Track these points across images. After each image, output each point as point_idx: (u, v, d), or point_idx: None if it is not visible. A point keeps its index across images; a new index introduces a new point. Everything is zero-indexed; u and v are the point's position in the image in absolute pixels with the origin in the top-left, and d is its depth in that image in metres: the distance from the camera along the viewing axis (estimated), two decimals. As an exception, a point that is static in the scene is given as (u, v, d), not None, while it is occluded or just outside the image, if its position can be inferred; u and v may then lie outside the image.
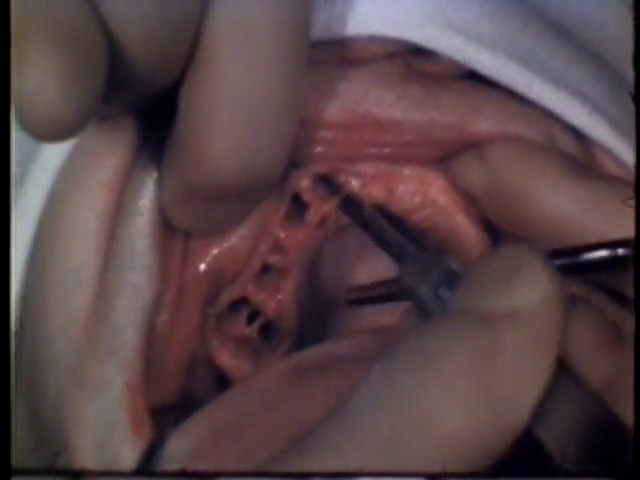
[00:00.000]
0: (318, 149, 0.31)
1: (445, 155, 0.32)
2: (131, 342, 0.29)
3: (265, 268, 0.32)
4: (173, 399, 0.31)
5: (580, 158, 0.31)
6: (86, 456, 0.28)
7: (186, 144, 0.26)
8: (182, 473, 0.25)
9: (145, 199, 0.29)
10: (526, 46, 0.30)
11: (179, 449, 0.28)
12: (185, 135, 0.26)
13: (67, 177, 0.29)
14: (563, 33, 0.32)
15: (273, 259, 0.32)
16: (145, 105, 0.28)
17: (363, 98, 0.30)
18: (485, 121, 0.30)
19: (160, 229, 0.29)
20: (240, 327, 0.32)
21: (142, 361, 0.29)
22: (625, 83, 0.32)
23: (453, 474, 0.23)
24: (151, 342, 0.29)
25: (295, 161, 0.30)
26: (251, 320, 0.33)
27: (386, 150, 0.31)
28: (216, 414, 0.29)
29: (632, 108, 0.31)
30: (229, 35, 0.25)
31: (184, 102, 0.26)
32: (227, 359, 0.32)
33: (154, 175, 0.29)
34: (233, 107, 0.25)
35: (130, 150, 0.29)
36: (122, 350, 0.29)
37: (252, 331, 0.32)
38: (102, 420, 0.28)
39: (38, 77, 0.22)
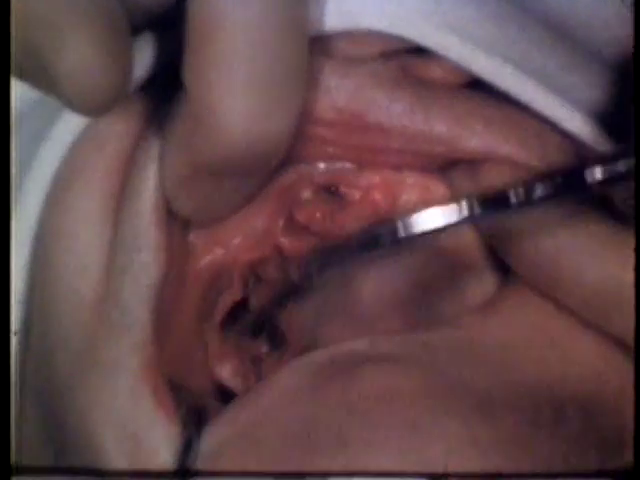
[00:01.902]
0: (309, 146, 0.31)
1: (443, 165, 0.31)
2: (141, 321, 0.29)
3: (267, 278, 0.32)
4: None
5: None
6: (109, 440, 0.28)
7: (195, 115, 0.26)
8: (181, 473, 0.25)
9: (148, 181, 0.29)
10: (522, 49, 0.30)
11: (202, 449, 0.28)
12: (193, 106, 0.26)
13: (70, 162, 0.30)
14: (562, 35, 0.31)
15: (275, 268, 0.32)
16: (149, 79, 0.29)
17: (354, 98, 0.30)
18: (474, 139, 0.30)
19: (164, 210, 0.29)
20: (246, 339, 0.32)
21: (154, 339, 0.29)
22: (627, 85, 0.32)
23: (454, 474, 0.23)
24: (162, 321, 0.29)
25: (289, 157, 0.30)
26: (257, 330, 0.32)
27: (381, 157, 0.31)
28: (236, 415, 0.29)
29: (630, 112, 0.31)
30: (228, 10, 0.25)
31: (188, 76, 0.26)
32: (228, 376, 0.32)
33: (157, 158, 0.29)
34: (239, 69, 0.26)
35: (133, 133, 0.30)
36: (133, 329, 0.29)
37: (259, 344, 0.32)
38: (121, 401, 0.29)
39: (79, 56, 0.25)
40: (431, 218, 0.28)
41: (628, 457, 0.27)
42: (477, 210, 0.28)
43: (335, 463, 0.26)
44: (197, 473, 0.27)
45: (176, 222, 0.30)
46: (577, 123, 0.30)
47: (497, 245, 0.31)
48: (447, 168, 0.31)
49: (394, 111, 0.30)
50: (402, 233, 0.29)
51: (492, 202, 0.28)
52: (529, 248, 0.29)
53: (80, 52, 0.25)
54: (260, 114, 0.26)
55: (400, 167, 0.31)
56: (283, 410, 0.29)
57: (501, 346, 0.30)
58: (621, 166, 0.27)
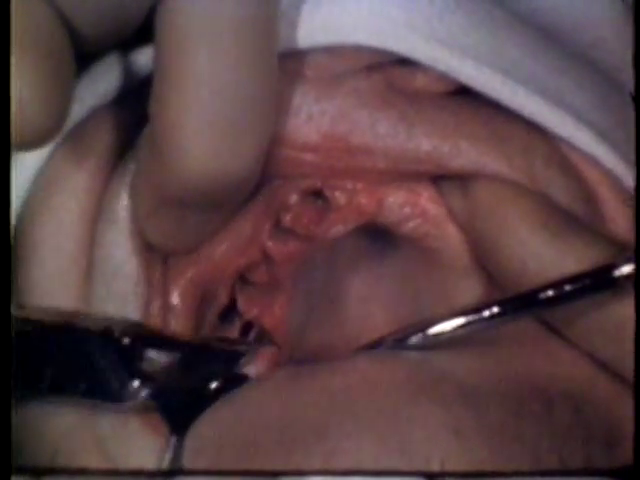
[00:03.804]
0: (294, 171, 0.30)
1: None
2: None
3: (255, 282, 0.32)
4: None
5: (566, 200, 0.30)
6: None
7: (157, 146, 0.26)
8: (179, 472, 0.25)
9: (123, 208, 0.29)
10: (511, 56, 0.30)
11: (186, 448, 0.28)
12: (156, 136, 0.26)
13: (46, 180, 0.29)
14: (553, 39, 0.31)
15: (262, 272, 0.32)
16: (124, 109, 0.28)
17: (339, 121, 0.29)
18: (460, 157, 0.30)
19: (140, 238, 0.29)
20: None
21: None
22: (620, 86, 0.32)
23: (453, 473, 0.23)
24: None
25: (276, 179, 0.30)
26: (245, 332, 0.32)
27: (368, 177, 0.31)
28: (217, 413, 0.29)
29: (622, 115, 0.31)
30: (192, 26, 0.25)
31: (154, 107, 0.26)
32: None
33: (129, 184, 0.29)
34: (203, 107, 0.25)
35: (108, 155, 0.29)
36: None
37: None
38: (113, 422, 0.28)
39: (17, 91, 0.24)
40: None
41: (618, 456, 0.27)
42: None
43: (314, 454, 0.26)
44: (182, 472, 0.27)
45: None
46: (569, 128, 0.30)
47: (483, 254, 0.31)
48: (438, 180, 0.31)
49: (378, 132, 0.29)
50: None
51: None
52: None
53: (19, 86, 0.24)
54: (223, 149, 0.26)
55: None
56: (262, 405, 0.28)
57: (487, 340, 0.29)
58: None
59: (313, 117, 0.29)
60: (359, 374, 0.28)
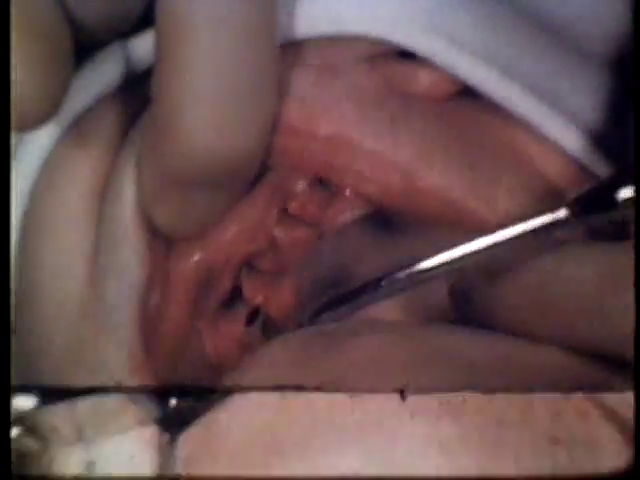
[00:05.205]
0: (289, 156, 0.30)
1: None
2: (127, 320, 0.29)
3: (261, 268, 0.32)
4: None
5: None
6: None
7: (160, 125, 0.27)
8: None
9: (128, 185, 0.29)
10: (510, 54, 0.30)
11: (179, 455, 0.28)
12: (159, 115, 0.27)
13: (54, 163, 0.30)
14: (554, 37, 0.31)
15: (269, 259, 0.32)
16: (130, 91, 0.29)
17: (329, 109, 0.29)
18: (431, 175, 0.30)
19: (145, 216, 0.29)
20: (239, 326, 0.32)
21: (140, 339, 0.29)
22: (622, 83, 0.32)
23: (448, 478, 0.23)
24: (149, 320, 0.30)
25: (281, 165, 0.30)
26: (250, 319, 0.32)
27: (340, 175, 0.31)
28: (210, 419, 0.29)
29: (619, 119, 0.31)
30: (193, 14, 0.25)
31: (156, 89, 0.27)
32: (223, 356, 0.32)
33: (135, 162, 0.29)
34: (205, 85, 0.26)
35: (114, 136, 0.30)
36: (119, 328, 0.29)
37: (252, 331, 0.32)
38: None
39: (16, 75, 0.25)
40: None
41: (603, 459, 0.27)
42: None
43: (296, 468, 0.26)
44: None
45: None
46: (560, 130, 0.30)
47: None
48: None
49: (365, 129, 0.30)
50: None
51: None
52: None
53: (18, 70, 0.25)
54: (225, 126, 0.26)
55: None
56: (250, 414, 0.28)
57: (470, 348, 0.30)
58: None
59: (306, 102, 0.29)
60: (363, 350, 0.28)
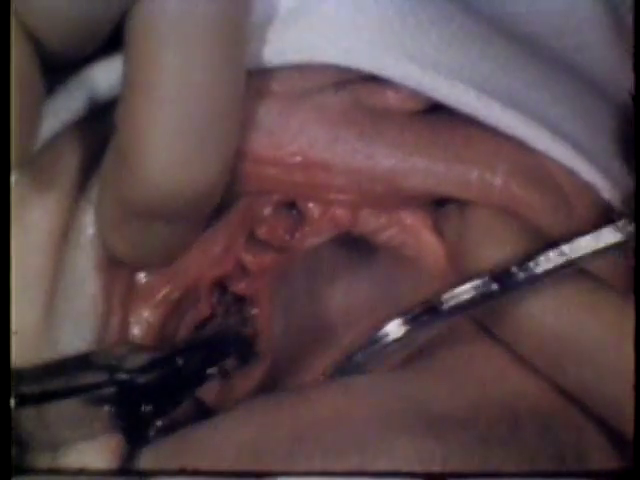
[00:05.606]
0: (261, 185, 0.30)
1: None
2: None
3: (234, 295, 0.32)
4: None
5: (545, 215, 0.30)
6: None
7: (121, 156, 0.26)
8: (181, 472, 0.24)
9: (87, 225, 0.29)
10: (486, 70, 0.30)
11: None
12: (121, 146, 0.26)
13: (18, 197, 0.29)
14: (533, 46, 0.31)
15: (240, 285, 0.32)
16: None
17: (298, 136, 0.29)
18: (416, 177, 0.30)
19: (104, 255, 0.29)
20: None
21: None
22: (603, 92, 0.32)
23: (452, 474, 0.23)
24: None
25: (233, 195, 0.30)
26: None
27: (326, 193, 0.31)
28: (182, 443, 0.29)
29: (604, 123, 0.31)
30: (161, 34, 0.25)
31: (121, 115, 0.26)
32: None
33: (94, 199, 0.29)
34: (170, 115, 0.25)
35: (77, 174, 0.29)
36: None
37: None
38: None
39: None
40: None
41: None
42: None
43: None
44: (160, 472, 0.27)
45: (121, 264, 0.29)
46: (545, 141, 0.30)
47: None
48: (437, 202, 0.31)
49: (336, 149, 0.29)
50: None
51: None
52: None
53: None
54: (188, 159, 0.26)
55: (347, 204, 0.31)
56: (232, 435, 0.28)
57: (464, 360, 0.29)
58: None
59: (274, 132, 0.29)
60: (328, 405, 0.28)
